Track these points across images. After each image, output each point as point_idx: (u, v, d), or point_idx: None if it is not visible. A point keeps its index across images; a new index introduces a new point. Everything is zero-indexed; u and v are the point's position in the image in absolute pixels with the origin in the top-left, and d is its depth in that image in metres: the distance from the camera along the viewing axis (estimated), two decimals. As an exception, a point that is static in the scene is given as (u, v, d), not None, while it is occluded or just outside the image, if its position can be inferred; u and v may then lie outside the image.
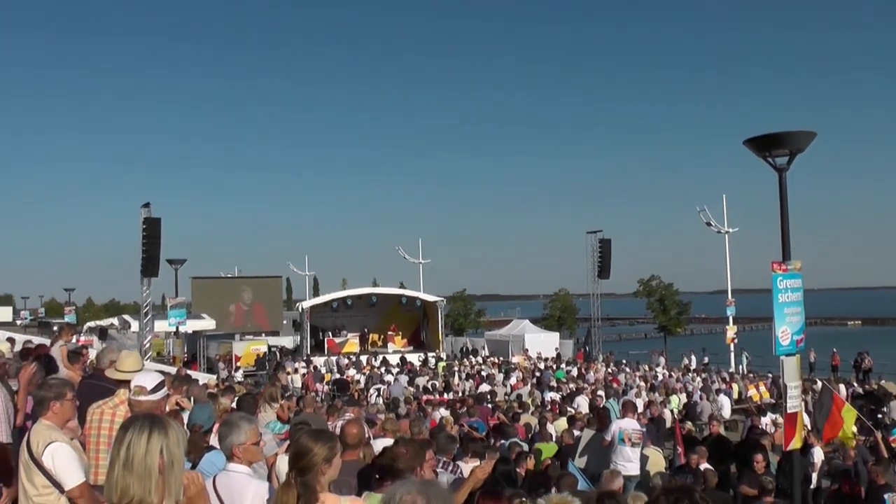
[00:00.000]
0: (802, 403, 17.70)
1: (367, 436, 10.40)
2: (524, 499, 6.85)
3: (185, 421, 10.15)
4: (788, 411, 10.15)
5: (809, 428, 16.50)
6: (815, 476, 14.60)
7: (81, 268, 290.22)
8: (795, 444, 10.37)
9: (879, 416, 17.85)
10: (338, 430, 9.08)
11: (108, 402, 6.48)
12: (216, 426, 10.16)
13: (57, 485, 5.38)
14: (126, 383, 6.58)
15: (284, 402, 12.61)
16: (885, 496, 10.44)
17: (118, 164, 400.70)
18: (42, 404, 5.67)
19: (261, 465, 7.25)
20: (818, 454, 14.59)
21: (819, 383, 24.25)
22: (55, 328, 13.50)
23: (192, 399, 12.02)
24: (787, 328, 10.06)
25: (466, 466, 9.04)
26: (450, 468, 8.99)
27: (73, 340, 15.63)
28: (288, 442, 7.00)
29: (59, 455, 5.39)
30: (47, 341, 15.75)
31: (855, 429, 14.32)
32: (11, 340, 16.54)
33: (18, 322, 64.22)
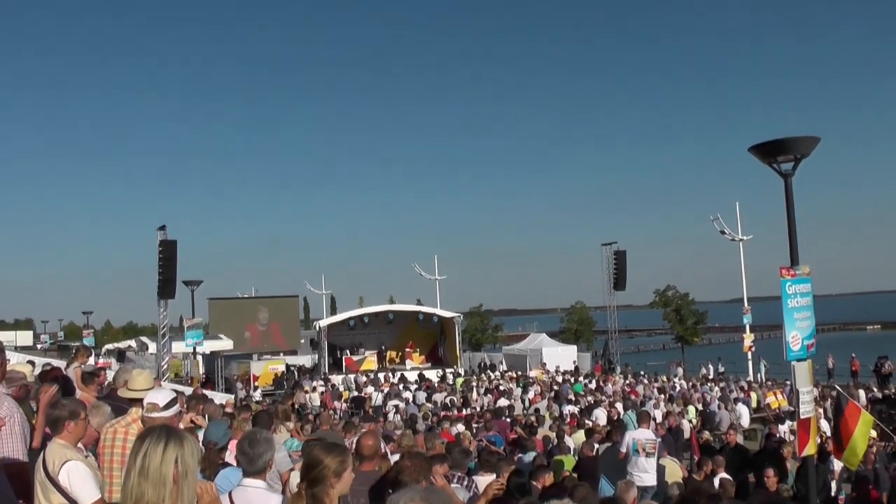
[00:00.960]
0: (821, 410, 17.69)
1: (383, 450, 10.47)
2: None
3: (201, 438, 10.25)
4: (801, 417, 10.13)
5: (829, 435, 16.42)
6: (834, 483, 14.54)
7: (99, 291, 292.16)
8: (809, 450, 10.34)
9: (900, 420, 17.73)
10: (354, 445, 9.17)
11: (120, 421, 6.58)
12: (232, 443, 10.27)
13: (73, 502, 5.49)
14: (139, 402, 6.68)
15: (298, 423, 12.73)
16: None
17: (134, 187, 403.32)
18: (57, 424, 5.76)
19: (275, 480, 7.33)
20: (837, 461, 14.54)
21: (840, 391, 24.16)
22: (72, 351, 13.63)
23: (206, 417, 12.12)
24: (797, 333, 10.06)
25: (482, 480, 9.08)
26: (465, 483, 9.05)
27: (91, 362, 15.74)
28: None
29: (75, 473, 5.48)
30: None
31: (874, 434, 14.20)
32: (32, 363, 16.68)
33: (38, 346, 64.69)
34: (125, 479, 3.37)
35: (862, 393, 28.37)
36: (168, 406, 6.18)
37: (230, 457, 9.69)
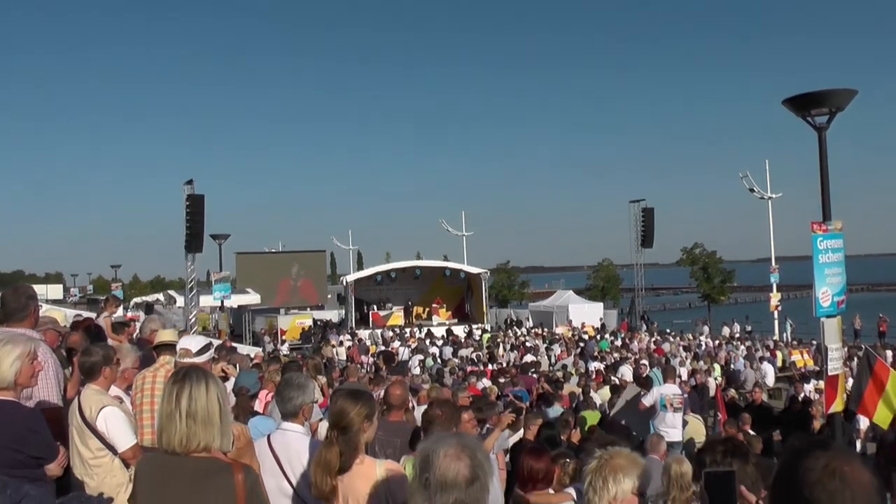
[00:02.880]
0: (848, 369, 17.59)
1: (410, 402, 10.54)
2: (569, 459, 6.94)
3: (231, 387, 10.37)
4: (829, 374, 10.11)
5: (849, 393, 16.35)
6: (859, 443, 14.49)
7: (128, 246, 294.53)
8: (836, 406, 10.32)
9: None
10: (382, 395, 9.26)
11: (149, 369, 6.68)
12: (262, 393, 10.39)
13: (110, 447, 5.58)
14: (166, 349, 6.78)
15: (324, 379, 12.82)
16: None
17: (162, 142, 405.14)
18: (92, 370, 5.84)
19: (307, 427, 7.42)
20: (864, 420, 14.47)
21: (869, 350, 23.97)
22: (101, 302, 13.74)
23: (237, 367, 12.25)
24: (827, 289, 10.01)
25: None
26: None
27: (120, 314, 15.89)
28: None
29: (111, 419, 5.59)
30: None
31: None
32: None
33: (68, 299, 65.25)
34: (166, 424, 3.40)
35: (889, 353, 28.13)
36: (202, 352, 6.25)
37: (258, 406, 9.82)
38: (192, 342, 6.34)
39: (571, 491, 5.88)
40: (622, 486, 3.43)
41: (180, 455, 3.37)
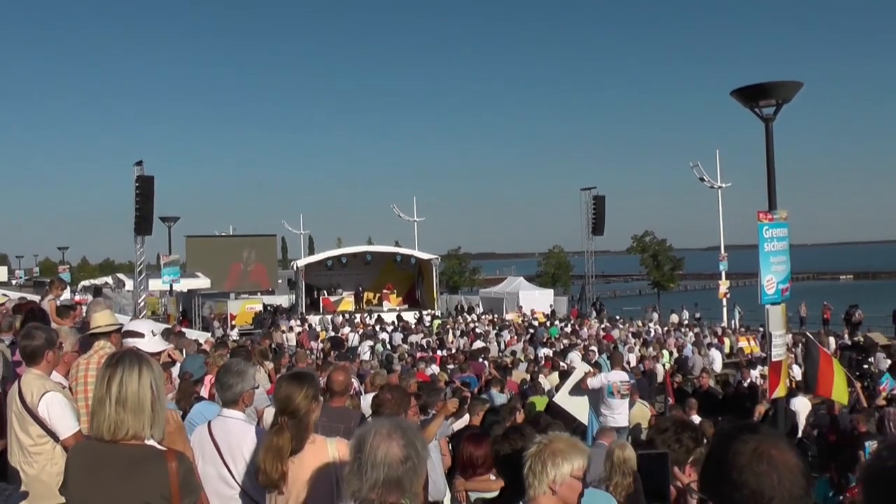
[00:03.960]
0: (792, 356, 17.92)
1: (354, 387, 10.52)
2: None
3: (176, 373, 10.27)
4: (773, 360, 10.28)
5: (798, 380, 16.65)
6: (800, 426, 14.76)
7: (76, 228, 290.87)
8: (780, 392, 10.51)
9: (866, 366, 17.98)
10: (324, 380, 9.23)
11: (83, 356, 6.56)
12: (208, 377, 10.30)
13: (52, 434, 5.47)
14: (104, 336, 6.68)
15: (272, 365, 12.76)
16: (866, 443, 10.59)
17: (111, 122, 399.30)
18: (35, 354, 5.71)
19: (251, 416, 7.37)
20: (801, 403, 14.74)
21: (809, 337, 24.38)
22: (46, 285, 13.56)
23: (183, 352, 12.14)
24: (772, 277, 10.17)
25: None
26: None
27: (67, 297, 15.69)
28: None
29: (54, 405, 5.45)
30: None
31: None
32: (6, 297, 16.60)
33: (13, 281, 64.23)
34: (97, 409, 3.34)
35: (832, 340, 28.64)
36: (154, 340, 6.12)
37: (204, 392, 9.74)
38: (143, 327, 6.19)
39: None
40: (561, 470, 3.48)
41: (113, 442, 3.32)
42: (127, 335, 5.96)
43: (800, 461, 2.24)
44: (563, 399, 14.38)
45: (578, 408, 14.06)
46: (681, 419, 5.68)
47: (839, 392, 11.92)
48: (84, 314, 11.95)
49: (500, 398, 14.14)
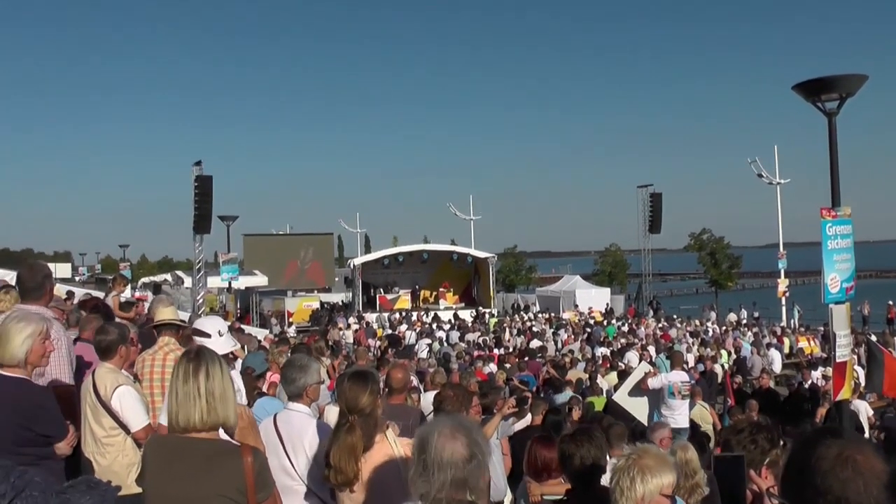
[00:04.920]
0: (855, 357, 17.62)
1: (414, 383, 10.55)
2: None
3: (238, 368, 10.41)
4: (837, 360, 10.09)
5: (863, 382, 16.35)
6: (866, 427, 14.51)
7: (136, 226, 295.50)
8: (845, 393, 10.32)
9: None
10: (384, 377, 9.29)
11: (148, 351, 6.71)
12: (268, 374, 10.44)
13: (123, 426, 5.60)
14: (167, 329, 6.80)
15: (334, 360, 12.86)
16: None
17: (171, 122, 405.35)
18: (109, 349, 5.84)
19: (314, 410, 7.45)
20: (861, 405, 14.48)
21: (873, 337, 23.90)
22: (109, 282, 13.85)
23: (244, 347, 12.30)
24: (836, 275, 10.00)
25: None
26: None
27: (128, 293, 15.96)
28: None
29: (126, 398, 5.61)
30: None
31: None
32: (71, 294, 16.92)
33: (77, 278, 65.53)
34: (182, 401, 3.44)
35: (897, 340, 28.11)
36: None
37: (264, 387, 9.86)
38: (210, 326, 6.19)
39: None
40: (649, 487, 3.42)
41: (189, 436, 3.42)
42: (195, 334, 6.03)
43: (886, 467, 2.20)
44: (623, 398, 14.27)
45: (638, 407, 13.92)
46: (756, 421, 5.60)
47: None
48: (146, 311, 12.18)
49: (564, 397, 14.12)
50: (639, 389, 14.10)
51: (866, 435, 14.15)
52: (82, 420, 5.64)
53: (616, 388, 16.05)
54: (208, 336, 5.82)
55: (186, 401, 3.41)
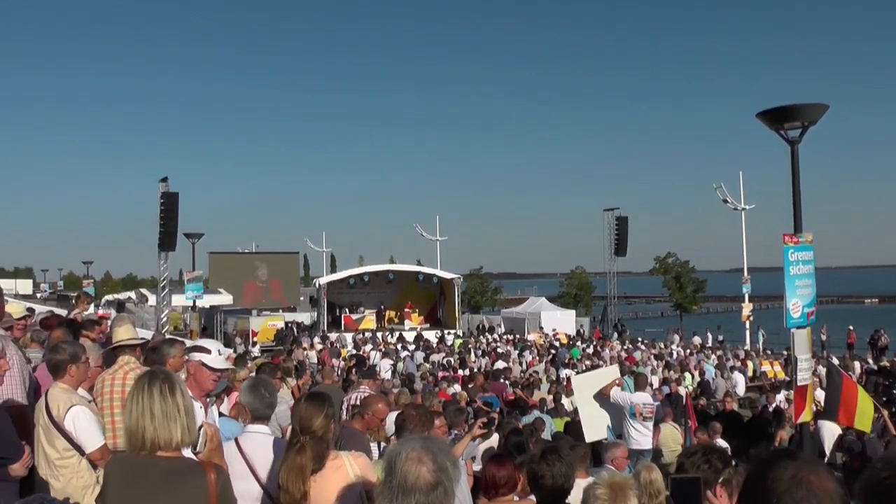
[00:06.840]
0: (816, 380, 17.78)
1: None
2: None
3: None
4: (798, 384, 10.20)
5: (823, 404, 16.49)
6: (828, 451, 14.60)
7: (100, 242, 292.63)
8: (805, 416, 10.42)
9: (894, 391, 17.80)
10: (356, 401, 9.27)
11: (107, 371, 6.57)
12: (233, 395, 10.30)
13: (78, 448, 5.49)
14: (124, 350, 6.68)
15: (295, 382, 12.73)
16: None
17: (136, 138, 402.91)
18: (59, 368, 5.73)
19: (276, 432, 7.37)
20: (828, 428, 14.58)
21: (835, 360, 24.16)
22: (73, 299, 13.67)
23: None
24: (798, 300, 10.11)
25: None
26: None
27: (91, 311, 15.77)
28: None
29: (80, 419, 5.50)
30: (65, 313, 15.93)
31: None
32: (31, 311, 16.70)
33: (38, 294, 64.73)
34: (138, 422, 3.39)
35: (857, 364, 28.44)
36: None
37: (224, 408, 9.73)
38: (211, 345, 5.96)
39: (534, 498, 5.88)
40: None
41: (150, 455, 3.37)
42: (194, 350, 5.93)
43: (839, 488, 2.22)
44: (584, 404, 13.85)
45: (597, 423, 13.60)
46: (709, 444, 5.66)
47: (862, 420, 11.79)
48: (108, 329, 12.03)
49: (531, 418, 14.11)
50: (602, 398, 13.88)
51: (826, 457, 14.28)
52: (35, 442, 5.54)
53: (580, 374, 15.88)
54: (208, 352, 5.73)
55: (142, 420, 3.36)
